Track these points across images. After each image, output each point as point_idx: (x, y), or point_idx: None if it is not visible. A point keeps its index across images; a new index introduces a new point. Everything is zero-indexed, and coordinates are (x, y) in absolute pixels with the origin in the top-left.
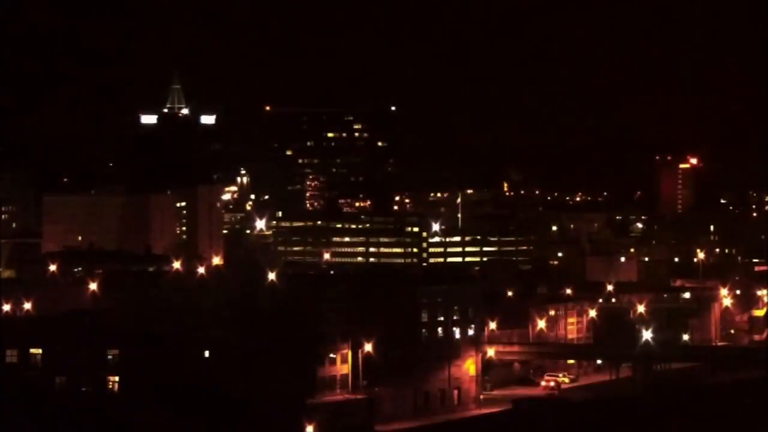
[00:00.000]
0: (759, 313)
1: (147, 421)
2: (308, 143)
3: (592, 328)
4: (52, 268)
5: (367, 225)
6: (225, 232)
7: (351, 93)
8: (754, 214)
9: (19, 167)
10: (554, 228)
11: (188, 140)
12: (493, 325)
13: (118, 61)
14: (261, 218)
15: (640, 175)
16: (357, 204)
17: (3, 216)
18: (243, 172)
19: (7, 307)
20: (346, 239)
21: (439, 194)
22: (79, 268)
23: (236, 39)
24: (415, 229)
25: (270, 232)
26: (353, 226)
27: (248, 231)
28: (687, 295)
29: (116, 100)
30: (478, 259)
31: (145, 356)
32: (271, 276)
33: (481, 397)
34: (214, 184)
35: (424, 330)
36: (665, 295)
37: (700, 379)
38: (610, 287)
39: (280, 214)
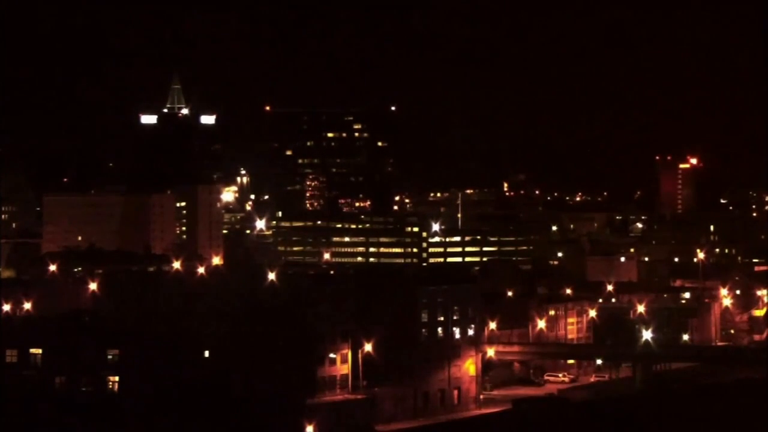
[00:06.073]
0: (759, 313)
1: (147, 421)
2: (308, 143)
3: (592, 328)
4: (52, 268)
5: (367, 225)
6: (225, 232)
7: (351, 93)
8: (754, 214)
9: (19, 167)
10: (554, 228)
11: (188, 140)
12: (493, 325)
13: (118, 61)
14: (261, 218)
15: (640, 175)
16: (357, 204)
17: (3, 216)
18: (243, 172)
19: (7, 307)
20: (346, 239)
21: (439, 194)
22: (79, 268)
23: (236, 39)
24: (415, 229)
25: (270, 232)
26: (353, 226)
27: (248, 231)
28: (687, 295)
29: (116, 100)
30: (478, 259)
31: (145, 356)
32: (271, 276)
33: (481, 397)
34: (214, 184)
35: (424, 330)
36: (665, 295)
37: (700, 379)
38: (610, 287)
39: (280, 214)
